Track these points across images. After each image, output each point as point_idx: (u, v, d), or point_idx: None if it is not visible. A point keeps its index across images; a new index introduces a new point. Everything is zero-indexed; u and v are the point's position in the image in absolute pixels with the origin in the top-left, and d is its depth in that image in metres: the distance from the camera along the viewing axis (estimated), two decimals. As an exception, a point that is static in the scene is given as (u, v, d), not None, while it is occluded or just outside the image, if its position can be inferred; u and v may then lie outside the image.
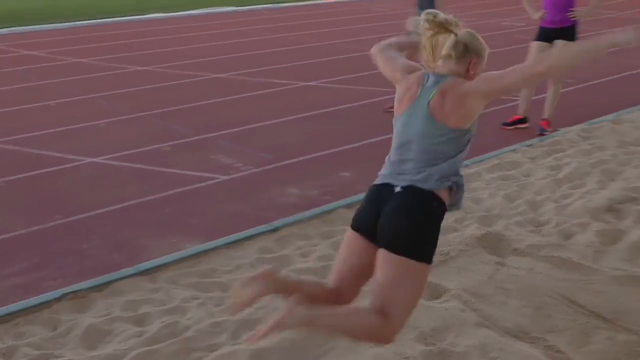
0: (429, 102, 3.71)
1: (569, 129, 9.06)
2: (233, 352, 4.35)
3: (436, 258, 5.38)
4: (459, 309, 4.77)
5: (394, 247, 3.59)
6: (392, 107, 3.99)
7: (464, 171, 3.84)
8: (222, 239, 5.98)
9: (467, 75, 3.77)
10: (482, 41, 3.84)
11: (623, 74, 12.58)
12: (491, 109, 10.09)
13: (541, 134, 8.90)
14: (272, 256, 5.72)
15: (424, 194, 3.64)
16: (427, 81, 3.78)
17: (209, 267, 5.59)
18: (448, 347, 4.42)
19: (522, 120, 9.26)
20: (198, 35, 16.71)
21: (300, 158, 8.08)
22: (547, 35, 8.85)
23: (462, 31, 3.83)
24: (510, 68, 3.69)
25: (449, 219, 6.24)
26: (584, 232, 5.97)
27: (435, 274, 5.24)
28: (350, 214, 6.29)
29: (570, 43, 8.27)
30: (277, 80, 11.88)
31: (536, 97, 9.55)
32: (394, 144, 3.86)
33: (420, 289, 3.72)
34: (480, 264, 5.45)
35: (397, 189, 3.70)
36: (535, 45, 8.98)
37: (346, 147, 8.45)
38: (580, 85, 11.61)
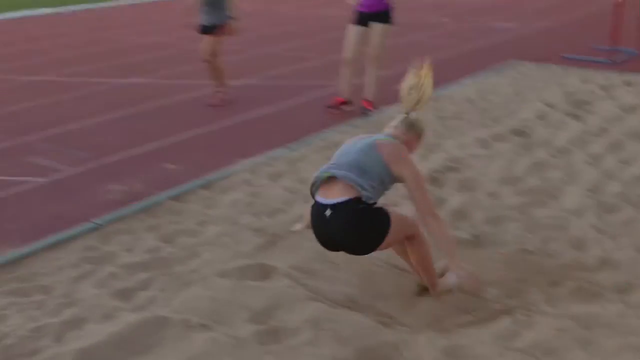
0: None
1: (390, 108, 9.25)
2: (57, 355, 4.13)
3: (264, 239, 5.40)
4: (288, 286, 4.74)
5: None
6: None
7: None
8: (41, 241, 5.70)
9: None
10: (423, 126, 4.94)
11: (438, 56, 13.02)
12: (315, 93, 10.23)
13: (364, 114, 9.05)
14: (96, 254, 5.50)
15: None
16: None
17: (28, 271, 5.31)
18: (280, 324, 4.38)
19: (346, 102, 9.40)
20: (14, 39, 15.96)
21: (123, 154, 7.84)
22: (363, 18, 9.03)
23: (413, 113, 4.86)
24: (422, 192, 4.59)
25: (278, 200, 6.26)
26: (407, 201, 6.07)
27: (264, 255, 5.22)
28: (177, 205, 6.25)
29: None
30: (96, 79, 11.51)
31: (358, 81, 9.76)
32: None
33: None
34: (309, 241, 5.42)
35: None
36: (352, 28, 9.13)
37: (169, 140, 8.28)
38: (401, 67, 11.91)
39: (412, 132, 4.87)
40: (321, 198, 4.54)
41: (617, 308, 4.56)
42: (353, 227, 4.41)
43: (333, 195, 4.47)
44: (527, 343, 4.20)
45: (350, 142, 4.80)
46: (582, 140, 7.97)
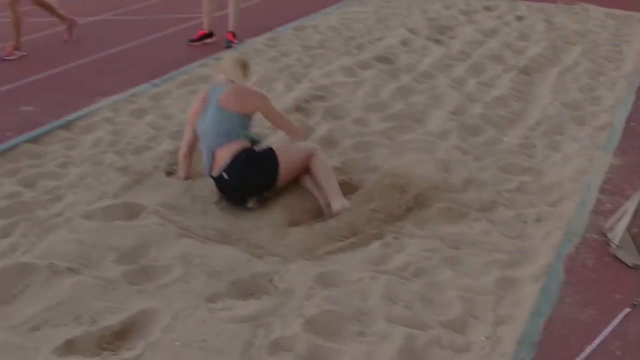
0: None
1: (255, 39, 9.16)
2: None
3: (129, 178, 5.25)
4: (157, 224, 4.64)
5: None
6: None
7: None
8: None
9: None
10: None
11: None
12: (176, 27, 9.98)
13: (229, 46, 8.91)
14: (-48, 202, 5.22)
15: None
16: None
17: None
18: (150, 262, 4.30)
19: (208, 35, 9.22)
20: None
21: (-23, 98, 7.44)
22: None
23: None
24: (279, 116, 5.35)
25: (143, 137, 6.10)
26: (274, 131, 6.03)
27: (131, 194, 5.08)
28: (36, 148, 5.98)
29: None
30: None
31: (221, 13, 9.56)
32: None
33: None
34: (175, 179, 5.34)
35: None
36: None
37: (24, 81, 7.90)
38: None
39: (237, 70, 5.30)
40: (216, 171, 5.03)
41: (483, 226, 4.70)
42: (247, 176, 4.95)
43: (221, 163, 4.98)
44: (397, 265, 4.27)
45: (200, 118, 5.16)
46: (445, 65, 8.09)
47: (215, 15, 9.29)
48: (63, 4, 10.99)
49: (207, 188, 5.15)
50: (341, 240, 4.58)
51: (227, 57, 5.52)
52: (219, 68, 5.43)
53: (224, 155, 4.99)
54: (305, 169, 5.15)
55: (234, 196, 5.07)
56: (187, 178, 5.29)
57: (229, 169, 4.95)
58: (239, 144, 5.00)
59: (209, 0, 9.03)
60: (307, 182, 5.19)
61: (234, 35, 9.05)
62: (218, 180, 5.05)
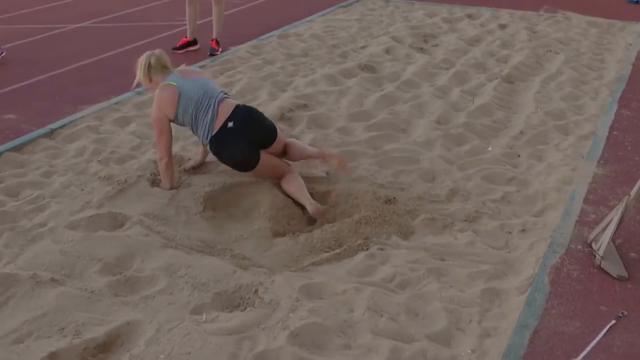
0: None
1: (239, 47, 9.15)
2: None
3: (114, 187, 5.22)
4: (142, 234, 4.62)
5: None
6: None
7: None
8: None
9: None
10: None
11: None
12: (161, 35, 9.95)
13: (212, 54, 8.89)
14: None
15: None
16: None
17: None
18: (134, 273, 4.28)
19: (192, 43, 9.20)
20: None
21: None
22: None
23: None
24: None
25: (127, 146, 6.07)
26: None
27: (115, 204, 5.05)
28: (19, 157, 5.93)
29: None
30: None
31: (204, 20, 9.55)
32: None
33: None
34: (160, 189, 5.31)
35: None
36: None
37: (6, 89, 7.84)
38: (247, 5, 11.77)
39: (147, 76, 5.38)
40: (217, 125, 5.20)
41: (468, 237, 4.70)
42: (252, 116, 5.32)
43: (225, 113, 5.22)
44: (382, 277, 4.27)
45: (184, 97, 5.27)
46: (428, 73, 8.11)
47: (199, 22, 9.28)
48: (47, 10, 10.98)
49: (192, 198, 5.13)
50: (326, 252, 4.58)
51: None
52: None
53: (229, 105, 5.25)
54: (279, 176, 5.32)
55: (233, 150, 5.20)
56: (173, 188, 5.27)
57: (234, 113, 5.21)
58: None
59: (193, 8, 9.02)
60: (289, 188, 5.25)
61: (217, 43, 9.03)
62: (219, 136, 5.18)
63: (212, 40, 9.05)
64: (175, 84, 5.26)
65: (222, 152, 5.26)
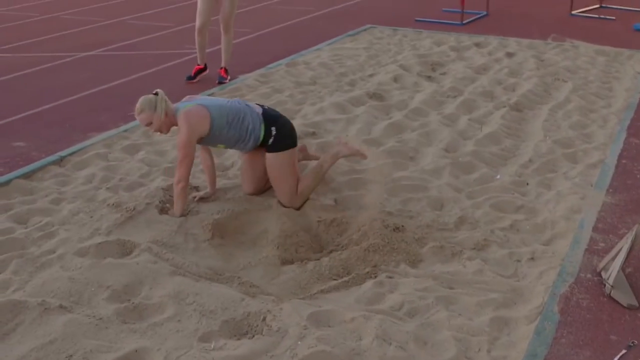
0: None
1: (247, 75, 9.19)
2: None
3: (123, 214, 5.23)
4: (150, 262, 4.62)
5: None
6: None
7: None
8: None
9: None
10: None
11: (293, 21, 13.02)
12: (169, 63, 10.01)
13: (221, 83, 8.94)
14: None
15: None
16: None
17: None
18: (143, 300, 4.27)
19: (204, 69, 9.25)
20: None
21: (-33, 133, 7.42)
22: None
23: None
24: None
25: (135, 174, 6.09)
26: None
27: (124, 231, 5.06)
28: (28, 184, 5.96)
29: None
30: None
31: (213, 49, 9.61)
32: None
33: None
34: (168, 216, 5.32)
35: None
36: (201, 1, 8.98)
37: (16, 116, 7.88)
38: (255, 34, 11.84)
39: (164, 111, 5.31)
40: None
41: (477, 265, 4.69)
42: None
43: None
44: (391, 305, 4.25)
45: (218, 115, 5.36)
46: (436, 101, 8.13)
47: (207, 51, 9.34)
48: (56, 39, 11.08)
49: (200, 226, 5.13)
50: (334, 279, 4.57)
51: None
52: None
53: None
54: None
55: (287, 120, 5.62)
56: (182, 215, 5.28)
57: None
58: None
59: (201, 36, 9.08)
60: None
61: (226, 71, 9.09)
62: (268, 112, 5.54)
63: (221, 68, 9.11)
64: (192, 104, 5.30)
65: (278, 120, 5.50)
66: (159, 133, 5.41)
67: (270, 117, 5.46)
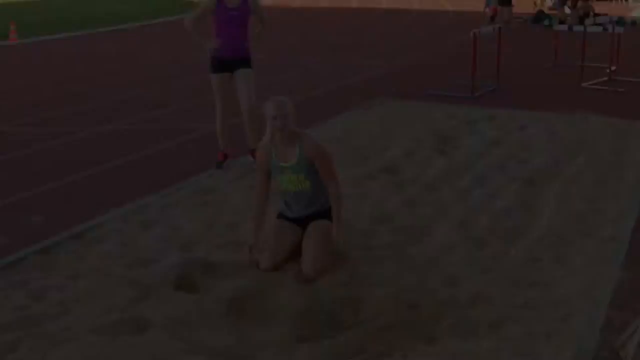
0: None
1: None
2: None
3: (138, 291, 5.25)
4: (164, 340, 4.63)
5: None
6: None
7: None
8: None
9: None
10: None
11: (307, 95, 13.20)
12: (185, 137, 10.11)
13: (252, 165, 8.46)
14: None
15: None
16: None
17: None
18: (158, 381, 4.27)
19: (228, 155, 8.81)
20: None
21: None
22: (226, 65, 8.51)
23: None
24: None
25: (151, 249, 6.13)
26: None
27: (139, 308, 5.08)
28: (45, 259, 5.99)
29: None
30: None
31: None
32: None
33: None
34: (184, 293, 5.34)
35: None
36: (216, 77, 8.57)
37: (33, 191, 7.97)
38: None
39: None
40: None
41: (492, 343, 4.66)
42: None
43: None
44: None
45: None
46: (449, 176, 8.18)
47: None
48: (76, 113, 11.24)
49: (216, 302, 5.14)
50: (350, 358, 4.55)
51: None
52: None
53: None
54: None
55: None
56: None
57: None
58: None
59: (223, 122, 8.72)
60: None
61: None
62: None
63: (251, 151, 8.59)
64: None
65: None
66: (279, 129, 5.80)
67: None
